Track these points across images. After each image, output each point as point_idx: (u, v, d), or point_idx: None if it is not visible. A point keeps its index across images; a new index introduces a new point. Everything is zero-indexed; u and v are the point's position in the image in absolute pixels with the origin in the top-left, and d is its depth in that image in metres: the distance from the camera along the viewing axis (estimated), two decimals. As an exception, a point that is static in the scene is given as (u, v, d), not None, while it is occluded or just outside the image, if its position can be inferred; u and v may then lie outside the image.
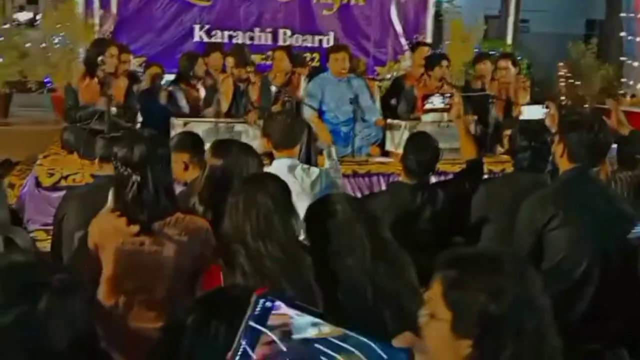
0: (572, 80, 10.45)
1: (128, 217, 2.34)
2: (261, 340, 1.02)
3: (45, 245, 3.77)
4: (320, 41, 8.47)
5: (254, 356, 1.01)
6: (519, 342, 1.29)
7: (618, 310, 2.57)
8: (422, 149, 3.44)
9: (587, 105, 9.89)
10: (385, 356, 1.03)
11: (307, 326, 1.03)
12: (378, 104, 6.26)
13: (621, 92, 10.38)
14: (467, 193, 3.39)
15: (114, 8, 7.74)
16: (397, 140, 5.77)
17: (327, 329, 1.03)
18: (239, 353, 1.01)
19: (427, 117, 5.74)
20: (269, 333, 1.02)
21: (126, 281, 2.38)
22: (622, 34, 11.19)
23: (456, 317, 1.32)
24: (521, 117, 5.48)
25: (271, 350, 1.02)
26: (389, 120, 5.94)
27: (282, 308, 1.04)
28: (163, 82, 6.44)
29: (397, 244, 2.38)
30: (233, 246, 2.26)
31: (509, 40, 9.69)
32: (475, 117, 5.74)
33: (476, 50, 8.79)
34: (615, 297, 2.56)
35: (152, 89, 6.22)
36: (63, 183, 4.68)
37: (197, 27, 8.05)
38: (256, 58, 7.92)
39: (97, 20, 7.66)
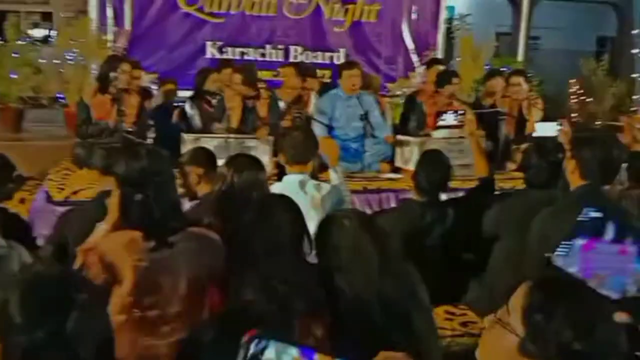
0: (583, 97, 10.42)
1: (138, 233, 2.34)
2: None
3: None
4: (331, 58, 8.52)
5: None
6: None
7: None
8: (434, 167, 3.43)
9: (598, 122, 9.85)
10: None
11: None
12: (389, 121, 6.27)
13: (633, 109, 10.33)
14: (478, 210, 3.37)
15: (127, 25, 7.83)
16: (407, 157, 5.77)
17: None
18: None
19: (437, 134, 5.73)
20: None
21: (141, 297, 2.37)
22: (634, 51, 11.16)
23: (530, 337, 1.28)
24: (534, 134, 5.46)
25: None
26: (398, 137, 5.94)
27: (271, 351, 1.05)
28: (176, 98, 6.49)
29: (406, 261, 2.36)
30: (244, 263, 2.26)
31: (520, 57, 9.70)
32: (484, 133, 5.73)
33: (487, 67, 8.80)
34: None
35: (165, 105, 6.26)
36: (73, 198, 4.69)
37: (209, 43, 8.11)
38: (267, 74, 7.99)
39: (110, 37, 7.74)
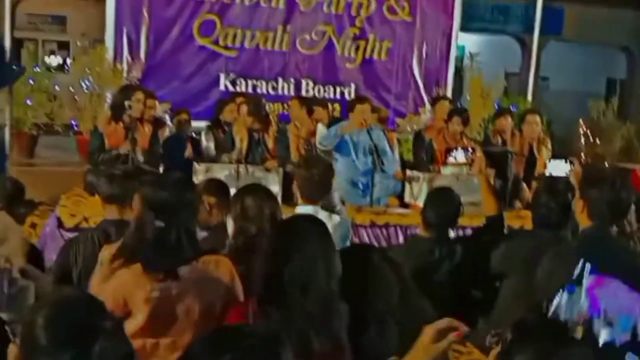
0: (592, 139, 10.45)
1: (151, 263, 2.35)
2: None
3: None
4: (342, 93, 8.62)
5: None
6: None
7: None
8: (444, 204, 3.44)
9: (607, 164, 9.86)
10: None
11: None
12: (397, 156, 6.32)
13: (642, 151, 10.36)
14: (487, 248, 3.38)
15: (142, 55, 7.95)
16: (415, 192, 5.79)
17: None
18: None
19: (446, 170, 5.76)
20: None
21: (154, 327, 2.39)
22: (643, 93, 11.22)
23: None
24: (546, 173, 5.48)
25: None
26: (408, 172, 5.97)
27: None
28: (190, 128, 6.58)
29: (422, 296, 2.37)
30: (266, 293, 2.12)
31: (529, 96, 9.76)
32: (494, 171, 5.75)
33: (496, 106, 8.86)
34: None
35: (178, 135, 6.33)
36: (84, 225, 4.72)
37: (222, 75, 8.23)
38: (278, 107, 8.08)
39: (125, 67, 7.86)
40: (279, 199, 4.90)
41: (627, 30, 12.88)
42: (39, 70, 9.25)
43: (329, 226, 3.31)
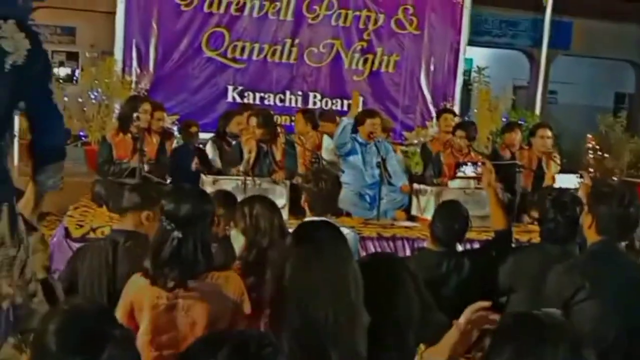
0: (600, 153, 10.42)
1: (162, 274, 2.36)
2: None
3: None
4: (350, 105, 8.62)
5: None
6: None
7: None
8: (452, 217, 3.42)
9: (615, 179, 9.82)
10: None
11: None
12: (404, 169, 6.33)
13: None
14: (495, 262, 3.36)
15: (151, 67, 8.00)
16: (423, 205, 5.78)
17: None
18: None
19: (454, 183, 5.75)
20: None
21: (159, 337, 2.40)
22: (652, 108, 11.20)
23: None
24: (555, 186, 5.46)
25: None
26: (415, 185, 5.97)
27: None
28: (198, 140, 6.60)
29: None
30: (280, 312, 1.99)
31: (537, 110, 9.75)
32: (502, 185, 5.74)
33: (504, 119, 8.86)
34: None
35: (186, 146, 6.34)
36: (92, 235, 4.73)
37: (230, 88, 8.26)
38: (286, 120, 8.10)
39: (134, 78, 7.90)
40: (286, 211, 4.92)
41: (636, 44, 12.86)
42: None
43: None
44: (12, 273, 2.13)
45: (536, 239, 3.89)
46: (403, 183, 6.04)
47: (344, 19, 8.54)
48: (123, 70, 7.88)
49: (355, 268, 2.01)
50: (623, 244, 2.78)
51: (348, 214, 5.81)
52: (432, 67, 8.95)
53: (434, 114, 8.76)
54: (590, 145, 10.63)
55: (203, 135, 6.69)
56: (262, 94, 8.37)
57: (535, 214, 3.76)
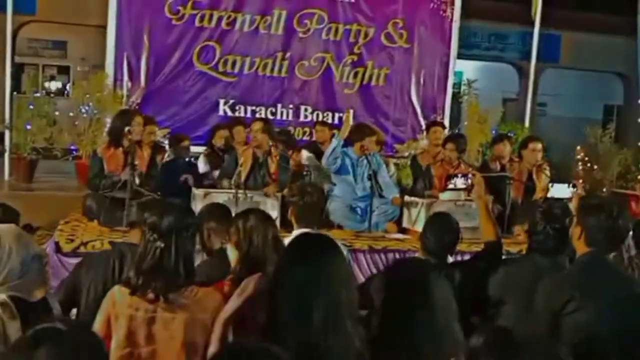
0: (589, 164, 10.49)
1: (143, 284, 2.37)
2: None
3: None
4: (341, 118, 8.65)
5: None
6: None
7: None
8: (443, 229, 3.44)
9: (604, 190, 9.89)
10: None
11: None
12: (395, 181, 6.36)
13: (639, 177, 10.38)
14: (485, 274, 3.37)
15: (142, 80, 8.00)
16: (414, 217, 5.81)
17: None
18: None
19: (444, 196, 5.78)
20: None
21: (137, 349, 2.40)
22: (640, 120, 11.30)
23: None
24: (546, 197, 5.49)
25: None
26: (406, 198, 6.00)
27: None
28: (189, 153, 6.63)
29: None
30: (276, 324, 1.97)
31: (527, 123, 9.81)
32: (492, 197, 5.77)
33: (494, 132, 8.91)
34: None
35: (175, 160, 6.35)
36: (82, 249, 4.73)
37: (222, 101, 8.28)
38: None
39: (125, 92, 7.90)
40: (278, 223, 4.93)
41: (623, 57, 12.99)
42: (39, 95, 9.29)
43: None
44: None
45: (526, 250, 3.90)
46: (394, 195, 6.06)
47: (335, 33, 8.59)
48: (114, 84, 7.88)
49: (351, 280, 2.04)
50: (612, 255, 2.81)
51: (340, 227, 5.83)
52: (422, 80, 9.01)
53: (424, 127, 8.81)
54: (579, 157, 10.70)
55: (195, 149, 6.70)
56: (253, 107, 8.39)
57: (524, 226, 3.78)
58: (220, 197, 5.21)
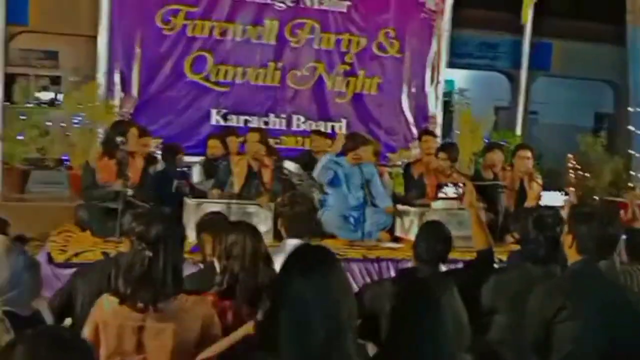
0: (581, 172, 10.52)
1: (132, 293, 2.37)
2: None
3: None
4: (333, 127, 8.69)
5: None
6: None
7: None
8: (435, 238, 3.44)
9: (596, 197, 9.92)
10: None
11: None
12: (388, 190, 6.36)
13: (630, 185, 10.42)
14: (477, 282, 3.38)
15: (134, 91, 8.00)
16: (407, 226, 5.81)
17: None
18: None
19: (437, 204, 5.79)
20: None
21: (126, 357, 2.39)
22: (631, 127, 11.34)
23: None
24: (537, 205, 5.50)
25: None
26: (399, 206, 6.00)
27: None
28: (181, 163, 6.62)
29: None
30: (273, 335, 1.99)
31: (519, 131, 9.85)
32: (484, 205, 5.78)
33: (486, 140, 8.94)
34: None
35: (167, 170, 6.33)
36: (75, 260, 4.71)
37: (214, 111, 8.28)
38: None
39: (117, 102, 7.89)
40: (271, 234, 4.93)
41: (614, 65, 13.05)
42: (31, 105, 9.26)
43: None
44: None
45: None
46: (387, 204, 6.07)
47: (326, 43, 8.63)
48: (106, 94, 7.87)
49: (351, 292, 2.07)
50: (603, 263, 2.82)
51: (333, 236, 5.83)
52: (413, 89, 9.04)
53: (416, 135, 8.84)
54: (571, 165, 10.73)
55: (187, 159, 6.70)
56: (246, 117, 8.40)
57: (516, 235, 3.80)
58: (213, 207, 5.20)
